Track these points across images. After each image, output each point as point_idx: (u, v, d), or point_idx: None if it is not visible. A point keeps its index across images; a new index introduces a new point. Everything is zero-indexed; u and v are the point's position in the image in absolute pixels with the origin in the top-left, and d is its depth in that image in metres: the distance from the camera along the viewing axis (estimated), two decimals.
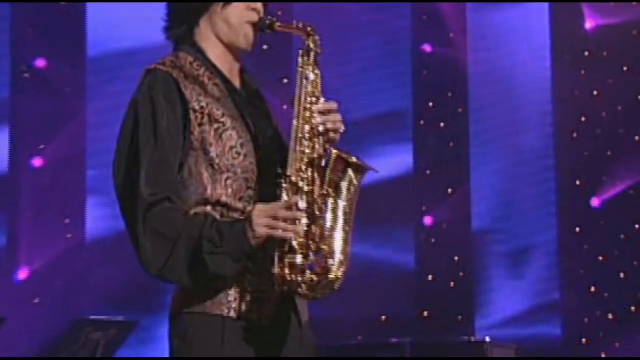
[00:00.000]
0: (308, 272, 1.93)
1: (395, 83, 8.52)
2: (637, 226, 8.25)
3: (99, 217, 7.84)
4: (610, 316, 8.13)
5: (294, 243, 1.95)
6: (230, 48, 2.15)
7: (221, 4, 2.12)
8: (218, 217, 2.00)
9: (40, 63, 7.85)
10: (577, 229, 8.37)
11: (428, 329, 7.83)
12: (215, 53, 2.15)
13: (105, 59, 8.03)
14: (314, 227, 1.98)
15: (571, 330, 8.33)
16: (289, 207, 1.91)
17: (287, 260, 1.93)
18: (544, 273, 8.61)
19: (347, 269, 2.00)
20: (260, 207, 1.95)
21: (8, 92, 7.73)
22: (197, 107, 2.02)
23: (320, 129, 2.03)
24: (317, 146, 2.03)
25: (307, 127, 2.04)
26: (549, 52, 8.70)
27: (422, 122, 8.50)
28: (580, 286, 8.34)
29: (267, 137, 2.15)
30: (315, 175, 2.02)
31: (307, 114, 2.05)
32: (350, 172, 2.02)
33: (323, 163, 2.04)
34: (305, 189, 1.99)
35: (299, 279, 1.93)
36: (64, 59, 7.79)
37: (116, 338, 4.98)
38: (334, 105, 2.09)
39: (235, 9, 2.12)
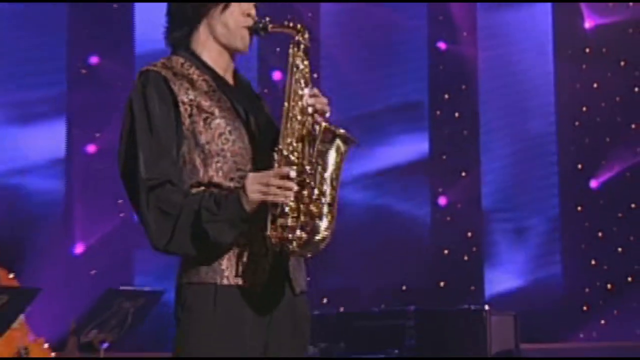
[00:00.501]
0: (298, 231, 2.03)
1: (413, 77, 8.96)
2: (633, 205, 8.63)
3: None
4: (608, 286, 8.52)
5: (285, 207, 2.04)
6: (228, 49, 2.26)
7: (219, 9, 2.21)
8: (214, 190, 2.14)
9: (94, 60, 8.31)
10: (579, 208, 8.78)
11: (444, 298, 8.13)
12: (212, 55, 2.25)
13: (151, 55, 8.58)
14: (303, 192, 2.06)
15: (573, 299, 8.72)
16: (279, 175, 2.01)
17: (279, 222, 2.03)
18: (548, 248, 9.05)
19: (334, 229, 2.11)
20: (253, 174, 2.05)
21: (66, 86, 8.14)
22: (185, 100, 2.13)
23: (310, 110, 2.12)
24: (306, 124, 2.13)
25: (297, 108, 2.14)
26: (551, 49, 9.10)
27: (438, 113, 8.92)
28: (581, 259, 8.77)
29: (259, 124, 2.23)
30: (305, 147, 2.12)
31: (297, 96, 2.15)
32: (337, 142, 2.12)
33: (312, 138, 2.14)
34: (295, 160, 2.08)
35: (290, 236, 2.03)
36: (114, 56, 8.21)
37: (144, 306, 5.11)
38: (317, 91, 2.20)
39: (232, 14, 2.21)
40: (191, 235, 2.01)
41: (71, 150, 8.09)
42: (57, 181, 8.05)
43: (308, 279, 7.60)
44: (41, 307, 6.27)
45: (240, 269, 2.09)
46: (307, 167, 2.08)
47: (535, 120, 9.16)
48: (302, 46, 2.17)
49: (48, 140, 8.11)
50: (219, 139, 2.13)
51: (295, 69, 2.17)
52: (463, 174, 8.78)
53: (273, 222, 2.01)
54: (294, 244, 2.02)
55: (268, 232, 2.02)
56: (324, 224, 2.06)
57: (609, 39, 8.84)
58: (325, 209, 2.07)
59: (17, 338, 5.39)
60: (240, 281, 2.09)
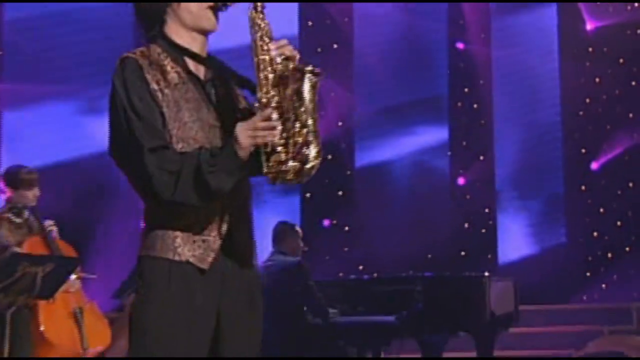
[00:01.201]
0: (291, 162, 2.11)
1: (434, 74, 9.69)
2: (630, 184, 9.21)
3: None
4: (609, 255, 9.15)
5: (275, 144, 2.11)
6: (198, 31, 2.26)
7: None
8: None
9: None
10: (582, 187, 9.42)
11: (464, 265, 8.69)
12: (185, 40, 2.25)
13: (219, 55, 9.28)
14: (287, 128, 2.12)
15: (577, 266, 9.36)
16: (264, 118, 2.06)
17: (272, 159, 2.10)
18: (554, 222, 9.70)
19: (321, 151, 2.18)
20: (240, 124, 2.10)
21: None
22: (156, 88, 2.15)
23: (278, 59, 2.17)
24: (277, 71, 2.16)
25: (266, 60, 2.18)
26: (557, 49, 9.71)
27: (459, 104, 9.58)
28: (584, 232, 9.42)
29: (222, 110, 2.25)
30: (280, 91, 2.16)
31: (265, 50, 2.18)
32: (307, 76, 2.14)
33: (285, 81, 2.17)
34: (274, 103, 2.12)
35: (284, 168, 2.11)
36: None
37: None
38: (285, 40, 2.21)
39: None
40: (194, 186, 2.07)
41: None
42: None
43: (346, 249, 7.88)
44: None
45: (193, 246, 2.14)
46: (286, 105, 2.15)
47: (543, 111, 9.74)
48: (259, 8, 2.23)
49: None
50: (184, 127, 2.17)
51: (257, 28, 2.21)
52: (481, 157, 9.42)
53: (267, 160, 2.10)
54: (290, 174, 2.11)
55: (265, 170, 2.10)
56: (312, 151, 2.15)
57: (609, 39, 9.38)
58: (310, 137, 2.15)
59: (73, 300, 5.58)
60: (192, 258, 2.13)
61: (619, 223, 9.26)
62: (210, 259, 2.12)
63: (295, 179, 2.12)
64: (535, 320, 8.34)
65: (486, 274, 6.34)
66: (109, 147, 2.21)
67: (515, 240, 9.77)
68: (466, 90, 9.66)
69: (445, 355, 6.83)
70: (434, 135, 9.61)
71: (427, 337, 6.16)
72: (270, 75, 2.14)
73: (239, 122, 2.15)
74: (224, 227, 2.14)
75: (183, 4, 2.21)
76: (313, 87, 2.16)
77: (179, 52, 2.23)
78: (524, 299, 7.44)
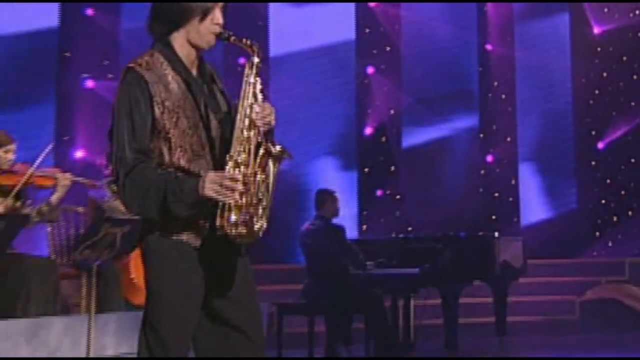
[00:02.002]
0: (240, 226, 2.19)
1: (468, 71, 10.26)
2: (632, 160, 9.95)
3: None
4: (614, 218, 9.91)
5: (232, 204, 2.17)
6: (196, 48, 2.32)
7: (198, 19, 2.28)
8: (180, 174, 2.21)
9: (241, 60, 8.17)
10: (593, 163, 10.04)
11: (493, 227, 8.96)
12: (183, 51, 2.32)
13: (284, 57, 9.50)
14: (248, 197, 2.19)
15: (588, 228, 10.08)
16: (231, 179, 2.14)
17: (225, 215, 2.18)
18: (568, 191, 10.38)
19: (267, 225, 2.25)
20: (211, 174, 2.17)
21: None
22: (159, 101, 2.23)
23: (257, 122, 2.24)
24: (252, 136, 2.23)
25: (247, 120, 2.25)
26: (569, 48, 10.37)
27: (489, 95, 10.13)
28: (593, 199, 10.08)
29: (215, 118, 2.31)
30: (250, 157, 2.22)
31: (248, 110, 2.25)
32: (273, 159, 2.26)
33: (256, 149, 2.25)
34: (242, 168, 2.19)
35: (233, 231, 2.19)
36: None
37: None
38: (267, 106, 2.29)
39: (205, 23, 2.29)
40: (158, 207, 2.18)
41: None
42: None
43: (397, 213, 8.91)
44: None
45: (189, 229, 2.26)
46: (251, 175, 2.22)
47: (557, 100, 10.39)
48: (254, 66, 2.28)
49: None
50: (182, 134, 2.24)
51: (247, 85, 2.28)
52: (508, 139, 10.05)
53: (221, 214, 2.17)
54: (233, 234, 2.19)
55: (217, 223, 2.18)
56: (257, 225, 2.23)
57: (614, 40, 10.05)
58: (260, 212, 2.23)
59: None
60: (187, 238, 2.27)
61: (622, 192, 9.97)
62: (200, 241, 2.25)
63: (238, 241, 2.21)
64: (545, 272, 8.95)
65: (496, 234, 6.65)
66: (110, 147, 2.31)
67: (534, 207, 10.38)
68: (495, 84, 10.21)
69: (464, 300, 7.24)
70: (467, 121, 10.18)
71: (447, 286, 6.44)
72: (245, 136, 2.23)
73: (225, 124, 2.28)
74: (267, 212, 2.26)
75: (198, 26, 2.29)
76: (278, 166, 2.28)
77: (180, 63, 2.30)
78: (540, 254, 8.77)
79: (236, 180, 2.16)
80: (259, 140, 2.26)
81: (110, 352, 5.06)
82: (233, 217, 2.17)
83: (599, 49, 10.12)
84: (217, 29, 2.29)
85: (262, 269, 8.09)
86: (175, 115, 2.25)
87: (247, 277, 2.39)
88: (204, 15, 2.28)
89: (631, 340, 7.72)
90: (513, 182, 10.19)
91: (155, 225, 2.26)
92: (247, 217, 2.21)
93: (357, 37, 9.92)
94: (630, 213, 9.91)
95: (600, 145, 10.15)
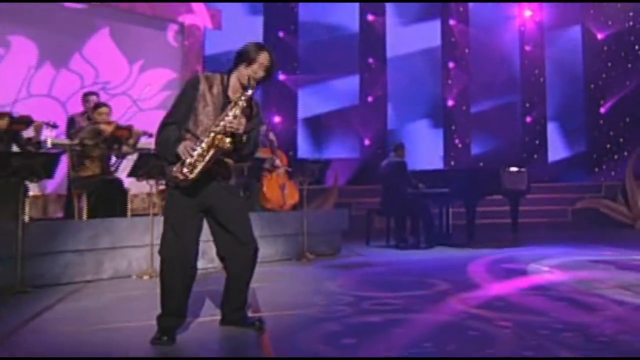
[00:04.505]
0: (183, 174, 2.74)
1: (513, 64, 11.97)
2: (627, 119, 11.45)
3: None
4: (615, 157, 11.40)
5: (186, 161, 2.72)
6: (240, 82, 2.84)
7: (244, 64, 2.84)
8: (189, 136, 2.81)
9: (371, 61, 10.69)
10: (601, 122, 11.66)
11: (528, 162, 10.68)
12: (233, 82, 2.88)
13: (399, 58, 11.28)
14: (193, 159, 2.75)
15: (594, 163, 11.67)
16: (190, 148, 2.74)
17: (179, 167, 2.74)
18: (580, 139, 12.02)
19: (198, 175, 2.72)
20: (185, 142, 2.77)
21: None
22: (200, 93, 2.81)
23: (227, 126, 2.76)
24: (218, 134, 2.76)
25: (222, 123, 2.78)
26: (581, 49, 12.08)
27: (531, 79, 11.80)
28: (600, 145, 11.71)
29: (214, 119, 2.82)
30: (208, 142, 2.77)
31: (226, 118, 2.79)
32: (215, 148, 2.76)
33: (214, 141, 2.76)
34: (202, 144, 2.75)
35: (180, 176, 2.73)
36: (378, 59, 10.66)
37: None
38: (240, 120, 2.79)
39: (251, 68, 2.83)
40: (162, 151, 2.83)
41: None
42: None
43: (470, 154, 11.28)
44: None
45: (185, 166, 2.75)
46: (204, 149, 2.76)
47: (573, 82, 12.07)
48: (247, 95, 2.80)
49: None
50: (203, 117, 2.85)
51: (235, 103, 2.79)
52: (539, 105, 11.75)
53: (181, 166, 2.74)
54: (179, 177, 2.74)
55: (175, 169, 2.74)
56: (192, 176, 2.77)
57: (614, 41, 11.55)
58: (196, 170, 2.76)
59: (281, 178, 6.55)
60: (187, 174, 2.74)
61: (621, 140, 11.46)
62: (198, 176, 2.77)
63: (180, 183, 2.79)
64: (549, 190, 10.35)
65: (500, 167, 7.05)
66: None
67: (556, 148, 11.98)
68: (536, 71, 12.00)
69: (494, 209, 8.55)
70: (511, 97, 11.94)
71: (466, 200, 6.97)
72: (213, 130, 2.77)
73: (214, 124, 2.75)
74: (199, 172, 2.74)
75: (245, 70, 2.87)
76: (216, 152, 2.76)
77: (226, 85, 2.88)
78: (559, 179, 10.25)
79: (192, 150, 2.74)
80: (218, 135, 2.73)
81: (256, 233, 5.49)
82: (185, 169, 2.76)
83: (605, 47, 11.67)
84: (260, 75, 2.88)
85: (364, 188, 9.79)
86: (204, 104, 2.86)
87: (233, 200, 2.94)
88: (248, 63, 2.85)
89: (603, 234, 8.43)
90: (541, 131, 11.88)
91: (167, 165, 2.85)
92: (189, 170, 2.75)
93: (442, 44, 11.73)
94: (625, 153, 11.16)
95: (602, 110, 11.84)
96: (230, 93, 2.82)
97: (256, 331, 2.97)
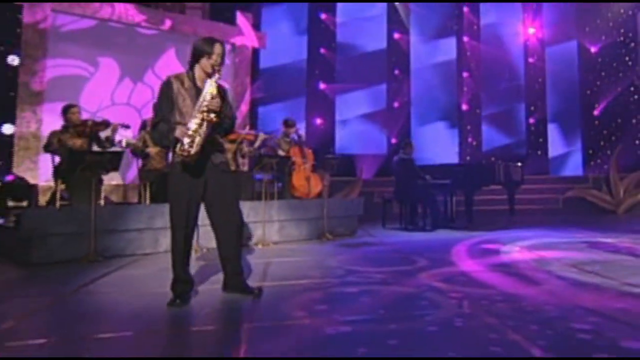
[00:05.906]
0: (185, 151, 2.71)
1: (517, 74, 11.69)
2: (618, 120, 10.98)
3: None
4: (608, 152, 10.92)
5: (185, 141, 2.69)
6: (205, 73, 2.84)
7: (205, 57, 2.82)
8: (178, 126, 2.75)
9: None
10: (596, 122, 11.23)
11: (529, 158, 10.75)
12: (198, 73, 2.86)
13: (418, 70, 11.14)
14: (190, 138, 2.69)
15: (590, 157, 11.24)
16: (185, 130, 2.69)
17: (180, 145, 2.71)
18: (576, 137, 11.59)
19: (199, 152, 2.70)
20: (180, 127, 2.71)
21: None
22: (175, 91, 2.79)
23: (209, 105, 2.75)
24: (201, 112, 2.74)
25: (204, 104, 2.74)
26: (577, 61, 11.65)
27: (531, 73, 11.49)
28: (593, 141, 11.24)
29: (194, 105, 2.78)
30: (197, 123, 2.73)
31: (206, 97, 2.76)
32: (207, 122, 2.76)
33: (204, 120, 2.74)
34: (193, 126, 2.72)
35: (184, 153, 2.68)
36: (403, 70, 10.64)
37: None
38: (216, 100, 2.76)
39: (211, 59, 2.85)
40: (161, 141, 2.80)
41: None
42: None
43: (482, 149, 10.44)
44: None
45: (182, 147, 2.72)
46: (195, 129, 2.72)
47: (570, 86, 11.68)
48: (215, 79, 2.82)
49: None
50: (182, 110, 2.83)
51: (210, 86, 2.81)
52: (538, 103, 11.40)
53: (181, 145, 2.71)
54: (184, 154, 2.70)
55: (177, 149, 2.70)
56: (193, 151, 2.72)
57: (605, 53, 11.16)
58: (194, 146, 2.70)
59: (307, 170, 6.39)
60: (184, 154, 2.73)
61: (613, 138, 11.03)
62: (196, 156, 2.75)
63: (183, 158, 2.75)
64: (544, 181, 10.15)
65: (498, 161, 6.98)
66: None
67: (555, 145, 11.67)
68: (539, 79, 11.73)
69: (494, 197, 8.38)
70: (517, 101, 11.66)
71: (465, 190, 6.79)
72: (200, 111, 2.75)
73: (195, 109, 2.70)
74: (198, 145, 2.73)
75: (205, 62, 2.86)
76: (208, 127, 2.73)
77: (194, 78, 2.84)
78: (556, 171, 9.79)
79: (187, 129, 2.73)
80: (204, 113, 2.72)
81: (281, 217, 5.68)
82: (185, 146, 2.73)
83: (599, 59, 11.28)
84: (217, 64, 2.83)
85: (386, 180, 9.50)
86: (182, 98, 2.82)
87: (224, 177, 2.88)
88: (208, 56, 2.84)
89: (589, 219, 8.17)
90: (543, 130, 11.59)
91: (172, 148, 2.75)
92: (189, 145, 2.71)
93: (457, 57, 11.59)
94: (608, 152, 10.86)
95: (596, 112, 11.46)
96: (199, 83, 2.85)
97: (254, 298, 2.97)
